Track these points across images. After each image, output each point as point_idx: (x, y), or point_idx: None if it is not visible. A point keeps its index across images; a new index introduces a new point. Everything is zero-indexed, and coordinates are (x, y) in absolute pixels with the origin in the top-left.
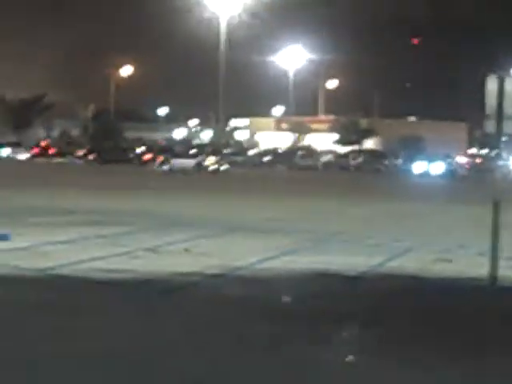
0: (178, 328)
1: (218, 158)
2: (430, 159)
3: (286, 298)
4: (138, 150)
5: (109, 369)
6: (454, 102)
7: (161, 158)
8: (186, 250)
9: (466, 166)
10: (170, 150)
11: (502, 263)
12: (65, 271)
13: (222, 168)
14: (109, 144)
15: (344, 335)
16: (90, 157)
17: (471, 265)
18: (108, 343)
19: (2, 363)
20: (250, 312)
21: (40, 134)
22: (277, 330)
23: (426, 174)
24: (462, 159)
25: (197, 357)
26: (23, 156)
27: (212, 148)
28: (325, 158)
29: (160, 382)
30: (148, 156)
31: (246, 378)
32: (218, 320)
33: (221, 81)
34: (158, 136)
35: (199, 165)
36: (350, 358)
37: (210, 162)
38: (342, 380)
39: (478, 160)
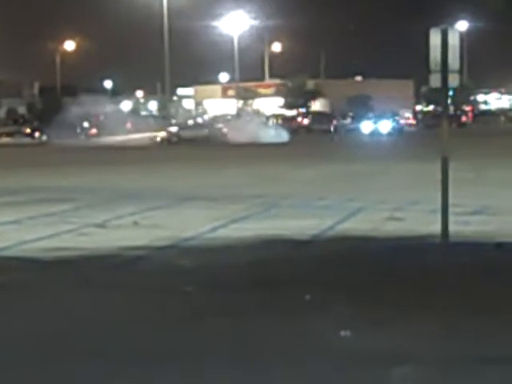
0: (125, 301)
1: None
2: (378, 118)
3: (234, 267)
4: (86, 125)
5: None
6: (400, 58)
7: None
8: (135, 222)
9: (413, 122)
10: None
11: (452, 218)
12: (12, 252)
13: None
14: (56, 120)
15: (293, 301)
16: (37, 134)
17: (423, 222)
18: (52, 323)
19: None
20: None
21: None
22: (226, 300)
23: (374, 133)
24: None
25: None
26: None
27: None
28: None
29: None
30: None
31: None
32: (164, 291)
33: (166, 50)
34: (107, 109)
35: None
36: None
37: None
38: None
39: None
